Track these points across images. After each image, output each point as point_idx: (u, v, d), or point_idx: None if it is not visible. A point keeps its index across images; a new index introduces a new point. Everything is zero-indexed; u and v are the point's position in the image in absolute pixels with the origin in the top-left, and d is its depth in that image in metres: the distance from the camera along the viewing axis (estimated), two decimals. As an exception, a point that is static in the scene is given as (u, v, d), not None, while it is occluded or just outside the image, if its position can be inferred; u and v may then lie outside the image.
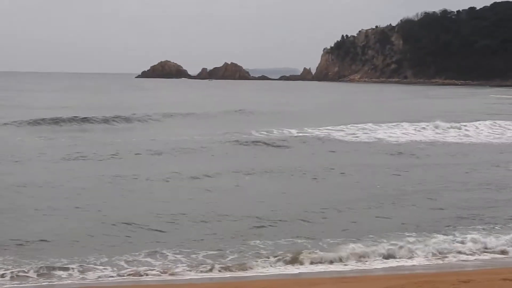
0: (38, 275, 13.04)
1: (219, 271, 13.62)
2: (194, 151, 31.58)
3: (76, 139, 35.78)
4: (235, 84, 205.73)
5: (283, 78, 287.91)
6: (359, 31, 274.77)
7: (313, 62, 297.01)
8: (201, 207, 18.91)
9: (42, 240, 15.20)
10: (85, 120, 46.07)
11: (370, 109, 70.83)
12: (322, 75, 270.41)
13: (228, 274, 13.50)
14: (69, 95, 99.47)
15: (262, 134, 39.00)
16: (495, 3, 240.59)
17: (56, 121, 44.68)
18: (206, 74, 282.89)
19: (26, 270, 13.18)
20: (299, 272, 13.75)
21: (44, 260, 13.74)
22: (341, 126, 42.94)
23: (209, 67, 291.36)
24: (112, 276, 13.16)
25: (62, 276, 13.10)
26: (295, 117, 55.73)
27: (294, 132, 40.05)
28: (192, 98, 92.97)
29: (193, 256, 14.39)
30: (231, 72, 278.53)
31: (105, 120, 46.87)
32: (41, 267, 13.31)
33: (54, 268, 13.34)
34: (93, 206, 18.78)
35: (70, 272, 13.24)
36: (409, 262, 14.48)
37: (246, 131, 39.63)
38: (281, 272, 13.72)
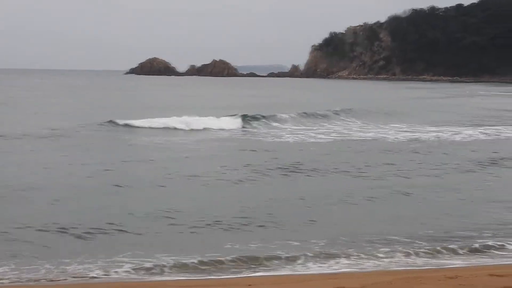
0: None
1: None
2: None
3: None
4: (232, 81, 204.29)
5: (272, 75, 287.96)
6: (347, 28, 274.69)
7: (301, 59, 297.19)
8: None
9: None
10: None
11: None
12: (310, 72, 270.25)
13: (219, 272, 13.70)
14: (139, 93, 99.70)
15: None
16: (482, 0, 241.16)
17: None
18: (194, 71, 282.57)
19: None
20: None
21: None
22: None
23: (197, 63, 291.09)
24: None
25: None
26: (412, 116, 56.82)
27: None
28: (257, 97, 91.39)
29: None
30: (219, 69, 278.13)
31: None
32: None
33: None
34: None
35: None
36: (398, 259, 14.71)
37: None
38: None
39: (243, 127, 44.35)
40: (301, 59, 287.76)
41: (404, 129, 44.57)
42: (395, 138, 39.19)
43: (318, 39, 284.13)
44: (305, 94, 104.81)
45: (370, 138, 39.08)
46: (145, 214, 17.81)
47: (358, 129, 45.27)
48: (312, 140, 37.90)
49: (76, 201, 19.38)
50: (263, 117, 48.17)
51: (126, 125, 41.76)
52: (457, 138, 39.47)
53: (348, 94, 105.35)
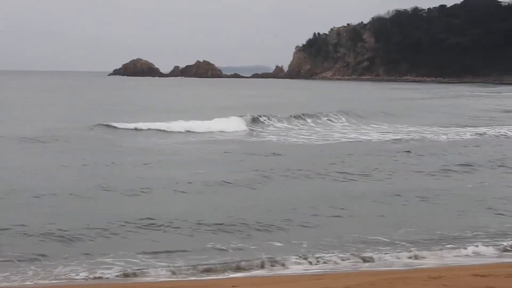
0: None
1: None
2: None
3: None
4: (222, 82, 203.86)
5: (256, 76, 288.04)
6: (331, 29, 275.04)
7: (285, 60, 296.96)
8: None
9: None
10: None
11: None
12: (294, 73, 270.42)
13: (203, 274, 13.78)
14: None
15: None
16: (465, 0, 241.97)
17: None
18: (178, 72, 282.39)
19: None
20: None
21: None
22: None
23: (180, 64, 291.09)
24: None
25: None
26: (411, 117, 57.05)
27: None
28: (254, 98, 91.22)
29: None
30: (203, 70, 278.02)
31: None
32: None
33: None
34: None
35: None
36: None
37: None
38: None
39: (245, 128, 44.44)
40: (285, 60, 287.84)
41: (401, 130, 44.97)
42: (394, 139, 39.54)
43: (301, 40, 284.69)
44: (300, 95, 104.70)
45: (364, 140, 39.25)
46: (130, 217, 17.78)
47: (356, 130, 45.43)
48: (306, 142, 38.05)
49: (62, 204, 19.36)
50: (262, 117, 48.50)
51: (115, 127, 41.24)
52: (446, 138, 39.65)
53: (341, 95, 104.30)
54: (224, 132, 41.82)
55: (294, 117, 50.52)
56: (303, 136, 40.66)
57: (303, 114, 51.75)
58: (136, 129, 41.21)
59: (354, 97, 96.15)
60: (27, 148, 31.99)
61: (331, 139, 39.51)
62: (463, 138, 39.73)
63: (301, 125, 47.95)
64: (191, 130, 41.73)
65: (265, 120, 47.90)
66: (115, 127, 41.16)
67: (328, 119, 51.37)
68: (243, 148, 34.49)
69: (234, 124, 44.18)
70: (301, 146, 36.03)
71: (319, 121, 50.59)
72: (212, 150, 33.14)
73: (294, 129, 45.15)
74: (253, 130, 44.01)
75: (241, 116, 46.59)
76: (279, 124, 47.38)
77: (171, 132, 41.00)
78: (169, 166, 27.16)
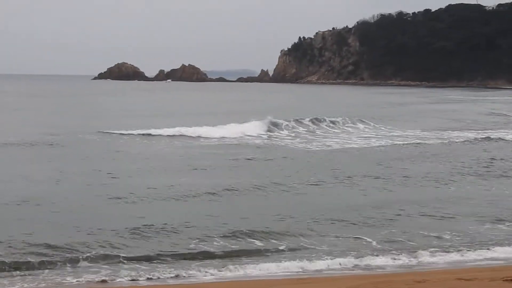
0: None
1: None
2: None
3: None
4: (206, 86, 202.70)
5: (241, 80, 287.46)
6: (316, 33, 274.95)
7: (270, 64, 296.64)
8: None
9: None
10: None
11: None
12: (279, 76, 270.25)
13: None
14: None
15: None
16: (449, 5, 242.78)
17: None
18: (163, 76, 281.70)
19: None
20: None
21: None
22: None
23: (166, 68, 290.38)
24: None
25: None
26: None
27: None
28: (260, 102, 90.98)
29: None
30: (188, 74, 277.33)
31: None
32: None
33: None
34: None
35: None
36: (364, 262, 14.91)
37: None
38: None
39: (262, 134, 44.07)
40: (270, 64, 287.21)
41: (392, 134, 45.30)
42: (378, 144, 39.30)
43: (287, 44, 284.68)
44: (287, 99, 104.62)
45: (362, 146, 38.71)
46: (116, 223, 17.84)
47: (359, 135, 45.17)
48: (293, 147, 37.94)
49: (47, 210, 19.32)
50: (278, 122, 48.33)
51: (112, 133, 40.83)
52: (435, 143, 39.74)
53: (336, 100, 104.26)
54: (225, 137, 41.22)
55: (295, 121, 50.05)
56: (296, 141, 40.79)
57: (305, 119, 51.54)
58: (122, 134, 40.89)
59: (347, 101, 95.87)
60: (23, 155, 31.70)
61: (327, 145, 39.25)
62: (451, 142, 39.83)
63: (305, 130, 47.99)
64: (201, 135, 41.55)
65: (281, 124, 47.78)
66: (111, 133, 40.76)
67: (329, 124, 51.22)
68: (240, 153, 33.92)
69: (222, 131, 43.36)
70: (300, 151, 36.02)
71: (321, 126, 50.13)
72: (205, 154, 33.24)
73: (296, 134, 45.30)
74: (260, 135, 43.64)
75: (240, 123, 45.82)
76: (288, 130, 47.12)
77: (159, 136, 40.79)
78: (159, 173, 27.08)
